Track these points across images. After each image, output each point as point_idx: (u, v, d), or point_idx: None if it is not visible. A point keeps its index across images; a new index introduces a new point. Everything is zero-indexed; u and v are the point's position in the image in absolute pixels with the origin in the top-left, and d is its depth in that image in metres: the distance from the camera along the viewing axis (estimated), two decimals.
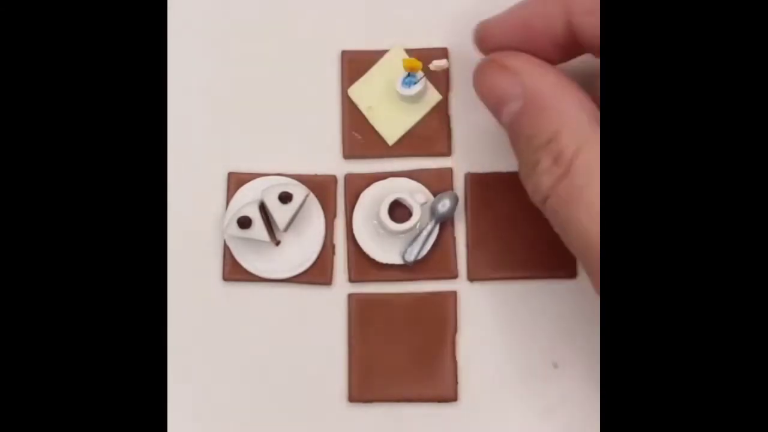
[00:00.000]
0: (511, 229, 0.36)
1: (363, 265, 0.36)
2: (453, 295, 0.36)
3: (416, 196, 0.36)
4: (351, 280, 0.36)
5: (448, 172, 0.37)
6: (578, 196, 0.29)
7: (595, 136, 0.29)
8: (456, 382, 0.36)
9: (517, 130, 0.31)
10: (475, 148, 0.37)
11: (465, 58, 0.37)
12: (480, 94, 0.33)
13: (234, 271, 0.36)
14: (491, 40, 0.33)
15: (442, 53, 0.37)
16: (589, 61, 0.33)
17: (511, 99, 0.31)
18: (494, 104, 0.32)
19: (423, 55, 0.36)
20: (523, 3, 0.32)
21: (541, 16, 0.31)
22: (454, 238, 0.36)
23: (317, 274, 0.36)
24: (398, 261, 0.36)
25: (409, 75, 0.36)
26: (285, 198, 0.35)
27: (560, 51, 0.32)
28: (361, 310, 0.36)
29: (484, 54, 0.33)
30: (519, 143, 0.31)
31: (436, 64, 0.35)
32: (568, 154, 0.29)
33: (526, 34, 0.32)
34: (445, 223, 0.36)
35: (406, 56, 0.37)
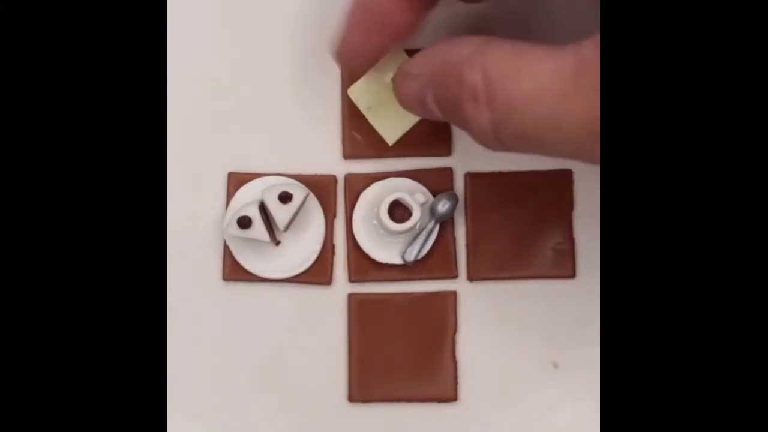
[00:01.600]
0: (511, 228, 0.36)
1: (363, 265, 0.36)
2: (453, 295, 0.36)
3: (416, 196, 0.36)
4: (351, 280, 0.36)
5: (448, 172, 0.37)
6: (509, 104, 0.28)
7: (483, 47, 0.28)
8: (456, 382, 0.36)
9: (443, 109, 0.31)
10: (475, 148, 0.36)
11: None
12: (408, 108, 0.33)
13: (234, 271, 0.36)
14: (352, 50, 0.33)
15: None
16: None
17: (424, 93, 0.31)
18: (420, 108, 0.32)
19: None
20: None
21: None
22: (454, 238, 0.36)
23: (317, 274, 0.36)
24: (398, 261, 0.36)
25: None
26: (285, 198, 0.35)
27: (417, 4, 0.31)
28: (361, 310, 0.36)
29: (355, 69, 0.34)
30: (452, 119, 0.31)
31: None
32: (477, 82, 0.28)
33: (375, 14, 0.31)
34: (445, 223, 0.36)
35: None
